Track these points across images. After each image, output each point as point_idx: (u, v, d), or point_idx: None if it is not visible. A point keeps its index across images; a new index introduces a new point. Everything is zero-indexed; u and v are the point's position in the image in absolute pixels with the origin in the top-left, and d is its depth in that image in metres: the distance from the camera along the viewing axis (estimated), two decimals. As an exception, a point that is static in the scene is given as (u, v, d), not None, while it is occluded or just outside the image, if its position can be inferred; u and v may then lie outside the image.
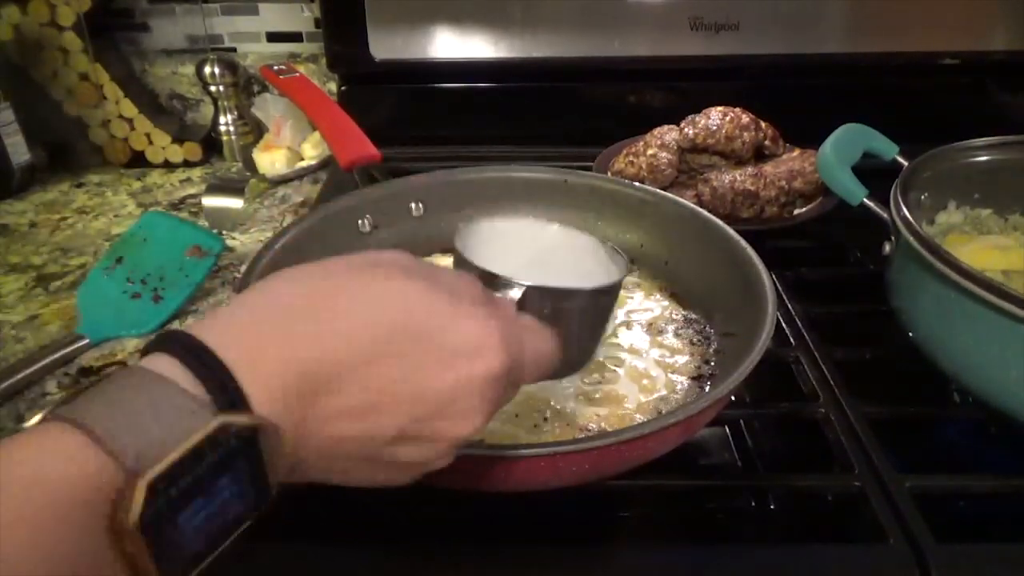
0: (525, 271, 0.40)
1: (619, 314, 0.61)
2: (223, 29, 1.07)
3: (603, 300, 0.45)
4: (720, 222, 0.61)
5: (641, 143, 0.86)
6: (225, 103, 1.04)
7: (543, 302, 0.40)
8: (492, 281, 0.39)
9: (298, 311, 0.31)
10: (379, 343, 0.31)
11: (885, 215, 0.59)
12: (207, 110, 1.09)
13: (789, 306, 0.66)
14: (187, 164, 1.03)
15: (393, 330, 0.31)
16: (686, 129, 0.84)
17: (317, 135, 1.01)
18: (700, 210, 0.64)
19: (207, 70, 1.02)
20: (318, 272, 0.33)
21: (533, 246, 0.47)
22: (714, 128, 0.82)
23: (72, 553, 0.23)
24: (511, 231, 0.48)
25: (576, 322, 0.43)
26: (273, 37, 1.08)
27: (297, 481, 0.32)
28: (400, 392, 0.31)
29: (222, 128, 1.05)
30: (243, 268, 0.79)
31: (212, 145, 1.05)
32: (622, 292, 0.63)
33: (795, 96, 0.96)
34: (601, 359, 0.56)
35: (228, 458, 0.26)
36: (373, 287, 0.32)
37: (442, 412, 0.32)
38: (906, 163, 0.64)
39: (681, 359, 0.56)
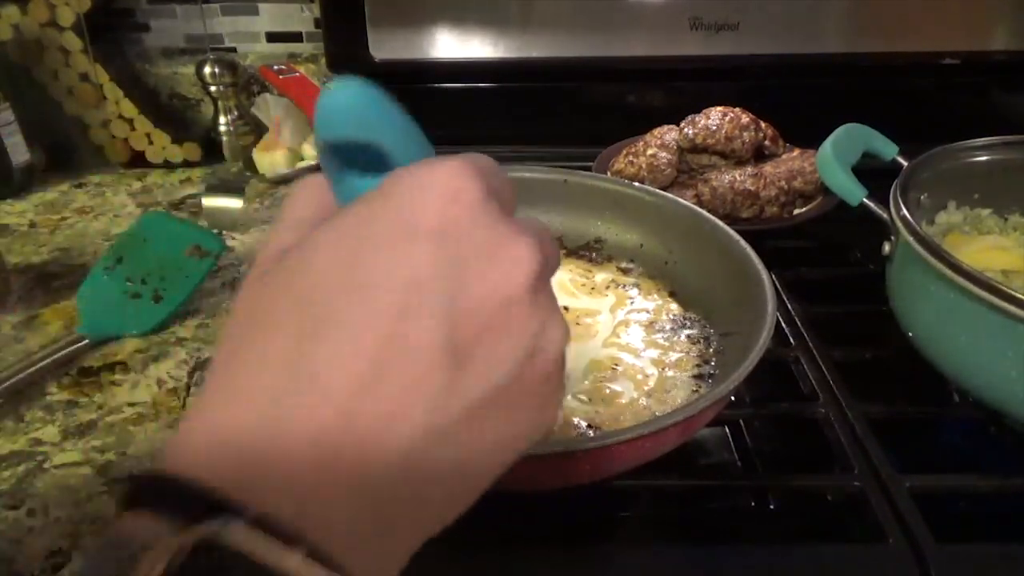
0: None
1: (619, 313, 0.61)
2: (223, 29, 1.07)
3: None
4: (720, 222, 0.61)
5: (641, 143, 0.86)
6: (225, 103, 1.04)
7: None
8: None
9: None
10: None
11: (885, 215, 0.59)
12: (207, 110, 1.09)
13: (789, 306, 0.66)
14: (187, 164, 1.03)
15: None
16: (686, 129, 0.84)
17: (317, 135, 1.01)
18: (700, 210, 0.64)
19: (207, 70, 1.02)
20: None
21: None
22: (714, 128, 0.82)
23: None
24: None
25: None
26: (273, 37, 1.08)
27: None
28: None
29: (222, 128, 1.05)
30: (243, 268, 0.79)
31: (212, 145, 1.05)
32: (622, 291, 0.63)
33: (795, 96, 0.96)
34: (600, 358, 0.56)
35: None
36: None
37: (488, 328, 0.24)
38: (906, 163, 0.64)
39: (680, 359, 0.56)
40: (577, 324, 0.59)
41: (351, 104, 0.25)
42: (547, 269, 0.25)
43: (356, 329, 0.22)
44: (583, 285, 0.64)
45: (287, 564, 0.20)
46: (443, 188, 0.24)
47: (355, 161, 0.26)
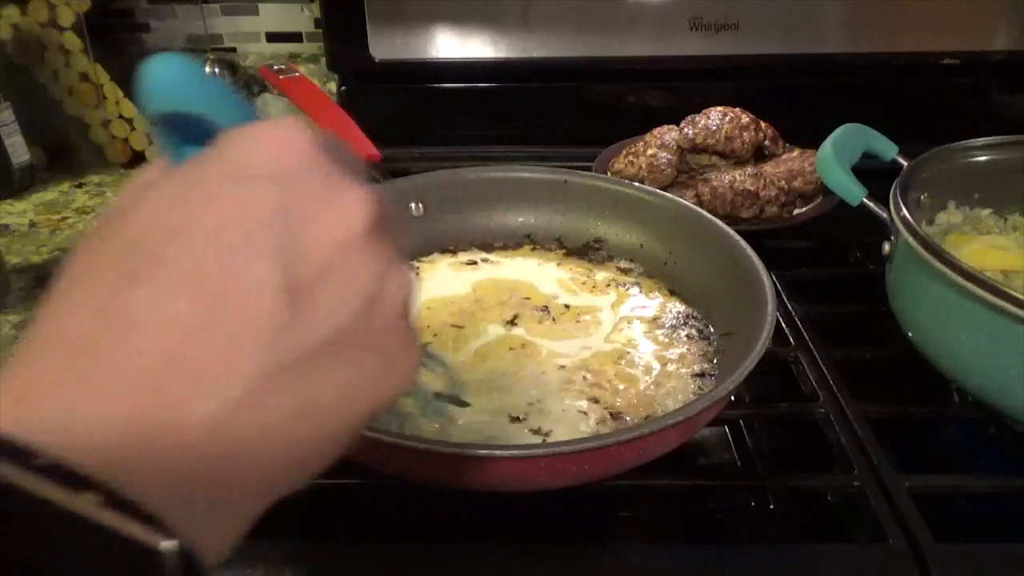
0: None
1: (621, 311, 0.61)
2: (223, 29, 1.07)
3: None
4: (720, 222, 0.61)
5: (641, 143, 0.86)
6: (225, 103, 1.04)
7: None
8: None
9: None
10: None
11: (885, 215, 0.59)
12: (207, 110, 1.09)
13: (789, 306, 0.66)
14: (187, 164, 1.03)
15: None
16: (686, 129, 0.84)
17: (317, 135, 1.01)
18: (700, 210, 0.64)
19: (207, 70, 1.02)
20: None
21: None
22: (714, 128, 0.82)
23: None
24: None
25: None
26: (273, 37, 1.08)
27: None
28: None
29: (222, 128, 1.05)
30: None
31: (212, 145, 1.05)
32: (623, 290, 0.63)
33: (795, 96, 0.96)
34: (606, 351, 0.56)
35: None
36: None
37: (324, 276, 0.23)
38: (906, 163, 0.64)
39: (680, 359, 0.56)
40: (577, 321, 0.60)
41: (170, 77, 0.26)
42: (385, 222, 0.25)
43: (181, 270, 0.22)
44: (583, 283, 0.64)
45: (78, 507, 0.19)
46: (276, 139, 0.24)
47: (188, 135, 0.27)
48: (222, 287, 0.22)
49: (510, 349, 0.56)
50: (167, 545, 0.20)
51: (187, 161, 0.25)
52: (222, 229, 0.22)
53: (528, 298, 0.62)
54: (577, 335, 0.58)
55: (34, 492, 0.19)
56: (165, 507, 0.20)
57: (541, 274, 0.66)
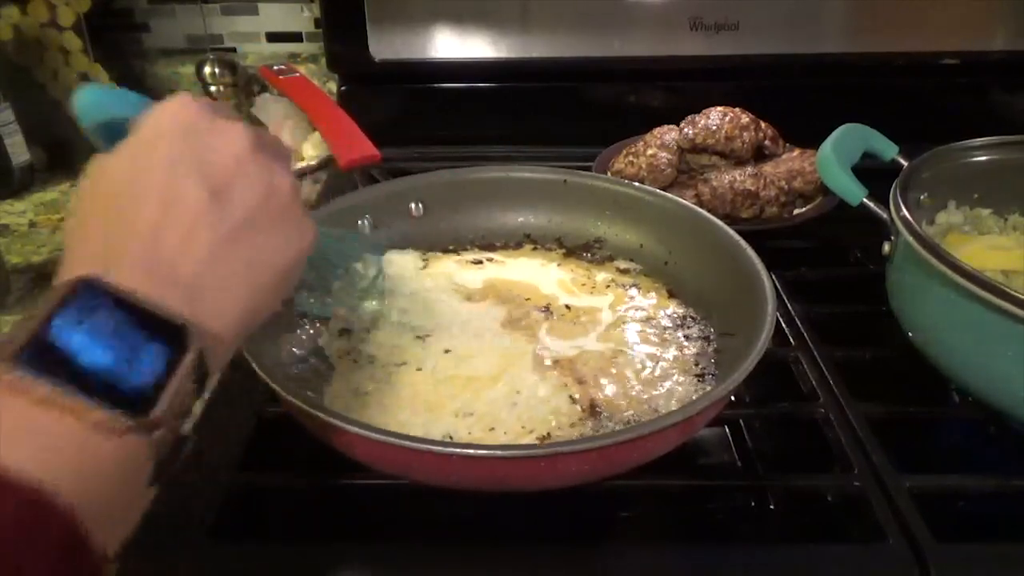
0: None
1: (619, 310, 0.61)
2: (223, 29, 1.07)
3: None
4: (720, 222, 0.61)
5: (641, 143, 0.86)
6: (225, 103, 1.04)
7: None
8: None
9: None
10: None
11: (885, 215, 0.59)
12: (207, 110, 1.09)
13: (789, 306, 0.66)
14: (187, 164, 1.03)
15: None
16: (686, 129, 0.84)
17: (317, 135, 1.01)
18: (700, 210, 0.64)
19: (207, 70, 1.02)
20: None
21: None
22: (714, 128, 0.82)
23: None
24: None
25: None
26: (273, 37, 1.08)
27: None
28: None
29: (222, 128, 1.05)
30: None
31: (212, 145, 1.05)
32: (622, 291, 0.63)
33: (795, 96, 0.96)
34: (599, 350, 0.56)
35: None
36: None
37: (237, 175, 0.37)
38: (906, 163, 0.64)
39: (679, 357, 0.56)
40: (574, 324, 0.60)
41: (94, 98, 0.42)
42: (263, 144, 0.39)
43: (142, 196, 0.35)
44: (583, 285, 0.64)
45: (129, 296, 0.32)
46: (174, 107, 0.38)
47: (117, 134, 0.39)
48: (170, 201, 0.35)
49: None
50: (191, 322, 0.33)
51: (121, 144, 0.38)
52: (157, 169, 0.36)
53: (529, 299, 0.62)
54: (573, 335, 0.58)
55: (114, 285, 0.32)
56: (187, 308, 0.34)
57: (543, 275, 0.66)
